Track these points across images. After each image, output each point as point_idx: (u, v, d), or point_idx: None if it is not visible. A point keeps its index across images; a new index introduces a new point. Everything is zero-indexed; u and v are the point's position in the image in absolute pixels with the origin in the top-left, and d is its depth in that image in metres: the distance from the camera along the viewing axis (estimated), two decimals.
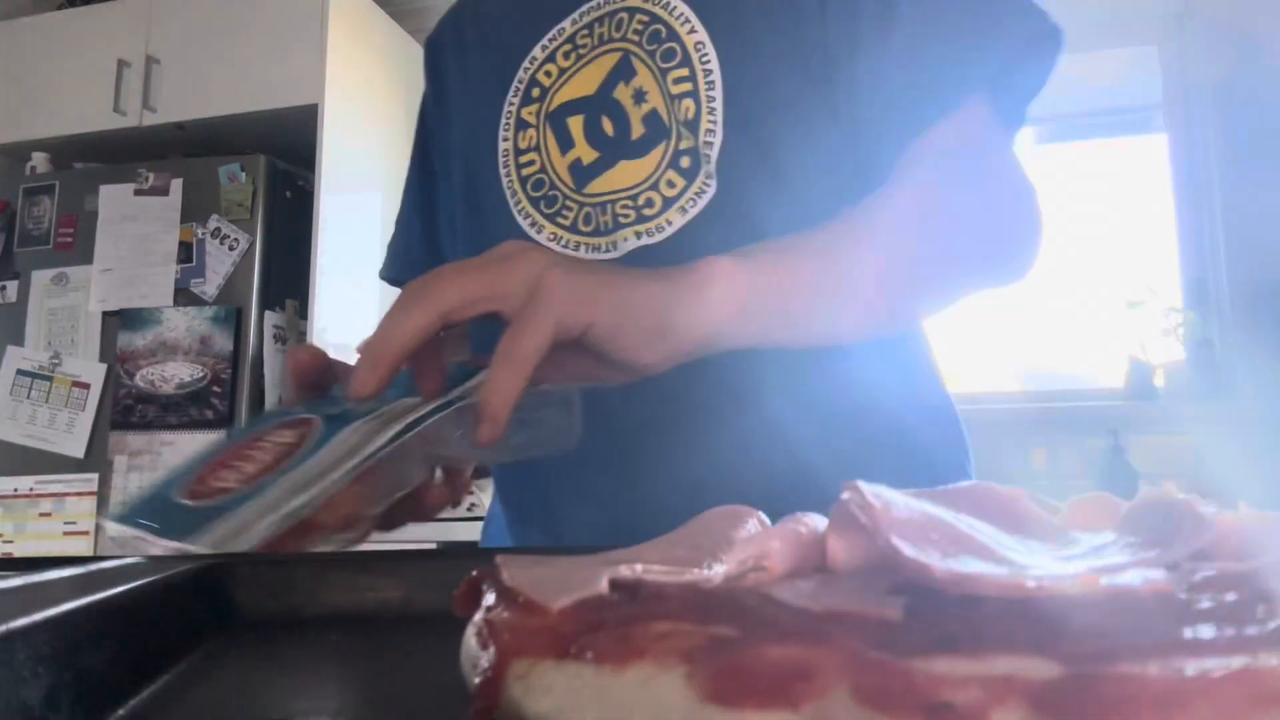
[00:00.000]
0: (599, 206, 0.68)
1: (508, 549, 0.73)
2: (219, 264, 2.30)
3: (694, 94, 0.65)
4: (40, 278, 2.41)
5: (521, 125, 0.73)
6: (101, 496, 2.24)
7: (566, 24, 0.73)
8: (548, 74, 0.72)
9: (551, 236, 0.70)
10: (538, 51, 0.74)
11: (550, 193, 0.70)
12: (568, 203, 0.69)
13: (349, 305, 2.42)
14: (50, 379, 2.35)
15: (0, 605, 0.23)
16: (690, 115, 0.65)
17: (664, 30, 0.67)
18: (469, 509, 2.30)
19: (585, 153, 0.69)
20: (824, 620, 0.20)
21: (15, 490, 2.31)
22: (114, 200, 2.38)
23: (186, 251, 2.32)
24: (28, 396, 2.36)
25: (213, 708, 0.28)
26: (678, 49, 0.66)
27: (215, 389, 2.23)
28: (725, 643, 0.19)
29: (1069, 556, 0.24)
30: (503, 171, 0.73)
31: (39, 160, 2.60)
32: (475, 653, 0.23)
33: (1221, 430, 2.21)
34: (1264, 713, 0.16)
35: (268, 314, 2.31)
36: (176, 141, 2.58)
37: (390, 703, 0.28)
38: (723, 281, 0.48)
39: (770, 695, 0.17)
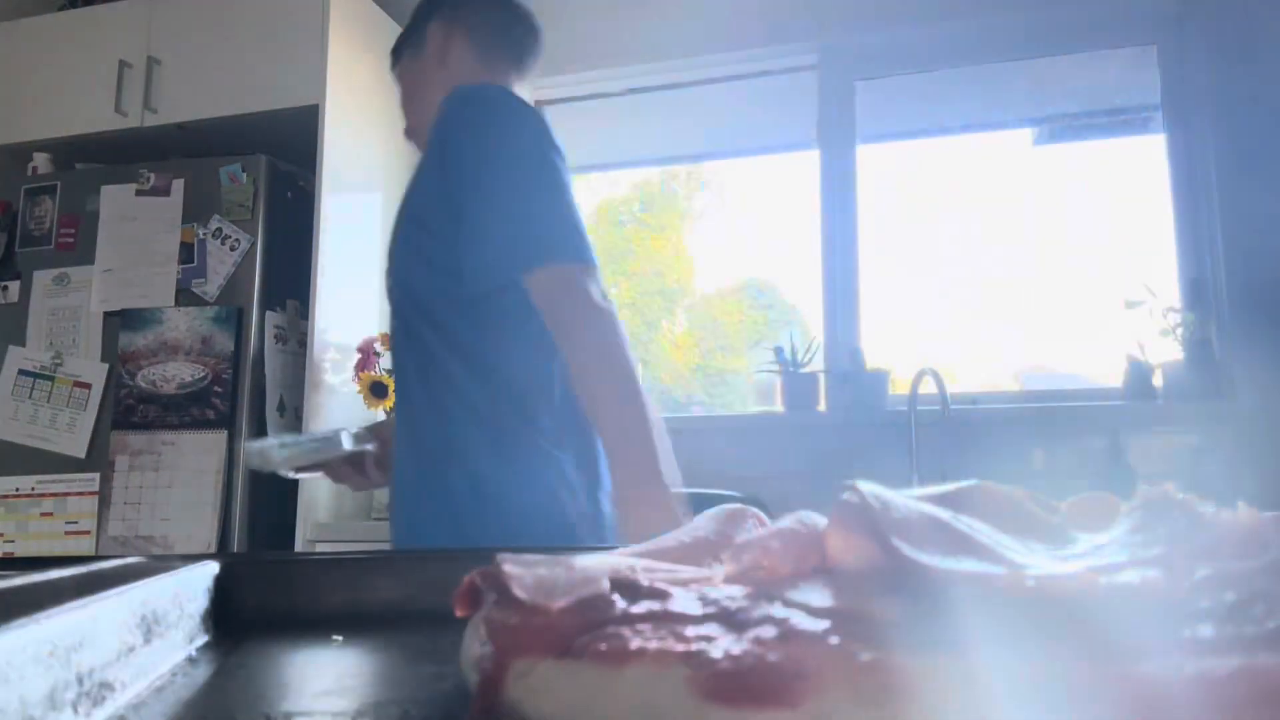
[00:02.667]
0: None
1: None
2: (220, 264, 2.30)
3: None
4: (42, 278, 2.41)
5: None
6: (103, 496, 2.24)
7: None
8: None
9: None
10: None
11: None
12: None
13: (350, 305, 2.42)
14: (52, 379, 2.35)
15: (0, 605, 0.23)
16: None
17: None
18: None
19: None
20: (824, 620, 0.20)
21: (16, 490, 2.31)
22: (115, 201, 2.39)
23: (187, 252, 2.32)
24: (29, 396, 2.36)
25: (213, 708, 0.28)
26: None
27: (216, 389, 2.23)
28: (725, 643, 0.19)
29: (1069, 556, 0.24)
30: None
31: (40, 161, 2.60)
32: (475, 653, 0.23)
33: (1220, 430, 2.21)
34: (1264, 712, 0.16)
35: (269, 314, 2.32)
36: (177, 142, 2.58)
37: (390, 703, 0.28)
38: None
39: (770, 695, 0.17)
